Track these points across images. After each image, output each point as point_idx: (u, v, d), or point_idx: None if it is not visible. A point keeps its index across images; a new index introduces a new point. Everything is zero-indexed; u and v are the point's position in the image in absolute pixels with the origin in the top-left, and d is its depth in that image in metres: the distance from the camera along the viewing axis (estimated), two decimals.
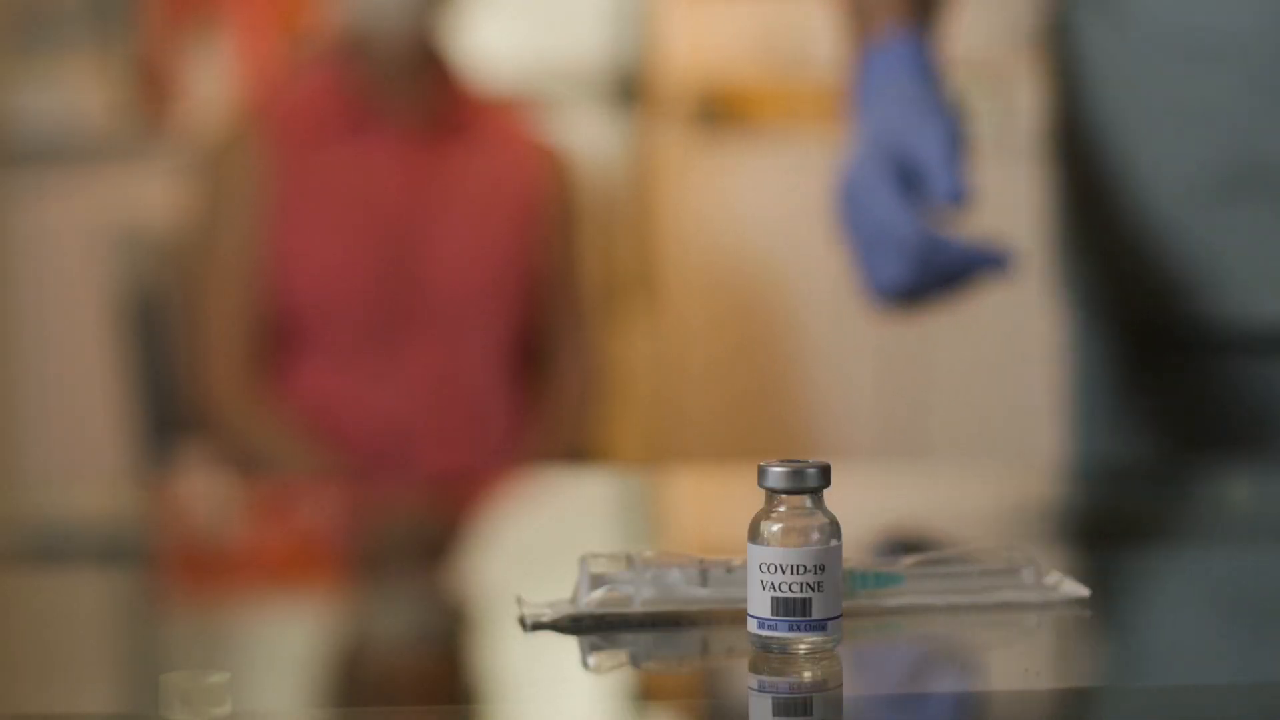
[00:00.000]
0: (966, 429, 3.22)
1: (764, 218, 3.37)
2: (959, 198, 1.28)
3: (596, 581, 0.88)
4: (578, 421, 2.41)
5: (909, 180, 1.31)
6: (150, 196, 2.94)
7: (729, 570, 0.88)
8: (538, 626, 0.88)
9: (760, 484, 0.82)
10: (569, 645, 0.88)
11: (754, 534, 0.81)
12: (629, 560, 0.89)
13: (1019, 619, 0.91)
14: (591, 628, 0.88)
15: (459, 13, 2.41)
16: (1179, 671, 0.89)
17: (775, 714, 0.78)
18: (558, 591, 0.90)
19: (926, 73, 1.38)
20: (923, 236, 1.30)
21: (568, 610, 0.89)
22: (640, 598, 0.88)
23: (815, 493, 0.81)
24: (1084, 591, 0.92)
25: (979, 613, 0.91)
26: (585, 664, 0.86)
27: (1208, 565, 1.15)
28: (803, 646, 0.81)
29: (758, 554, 0.81)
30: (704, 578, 0.88)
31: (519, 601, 0.90)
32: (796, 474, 0.81)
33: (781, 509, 0.81)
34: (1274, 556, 1.16)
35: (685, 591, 0.88)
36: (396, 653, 0.96)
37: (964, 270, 1.32)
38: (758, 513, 0.82)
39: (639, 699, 0.85)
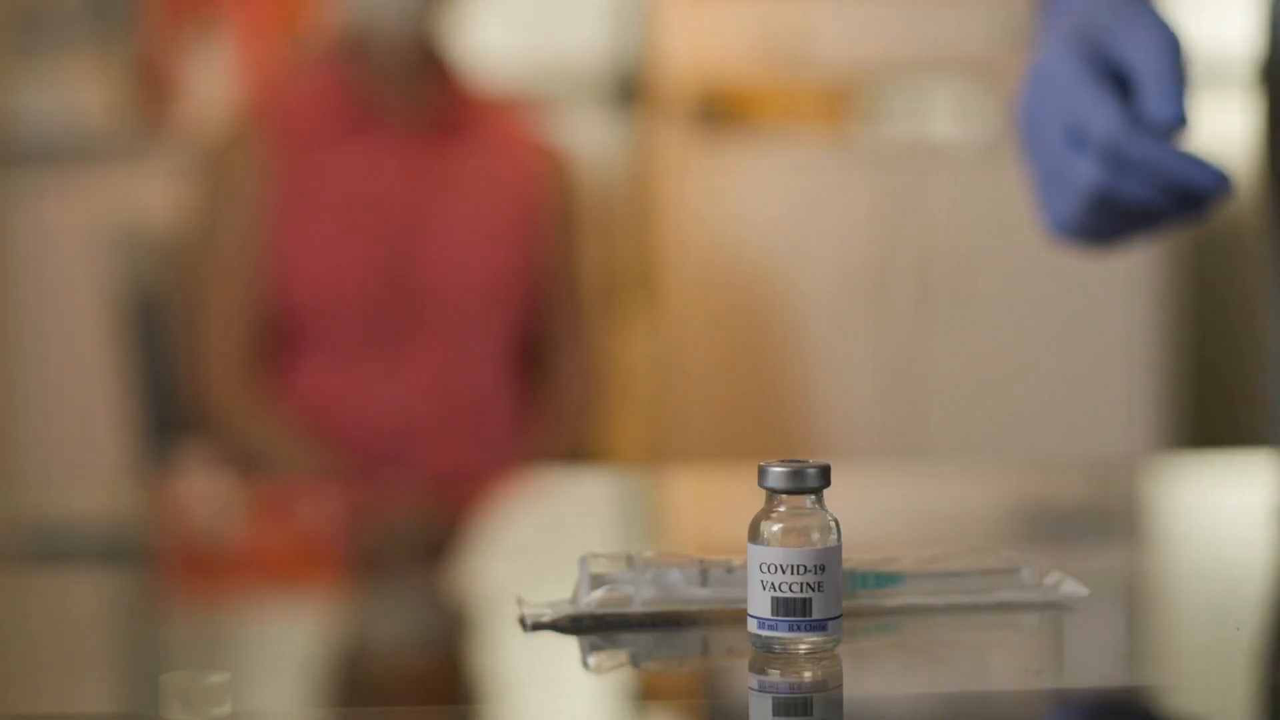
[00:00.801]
0: (966, 429, 3.22)
1: (764, 218, 3.37)
2: (1177, 123, 1.07)
3: (596, 581, 0.88)
4: (578, 422, 2.41)
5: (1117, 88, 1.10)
6: (150, 196, 2.94)
7: (729, 570, 0.88)
8: (538, 626, 0.88)
9: (760, 484, 0.82)
10: (569, 645, 0.88)
11: (754, 534, 0.81)
12: (629, 560, 0.89)
13: (1019, 619, 0.91)
14: (591, 628, 0.88)
15: (459, 13, 2.41)
16: (1176, 671, 0.89)
17: (775, 714, 0.78)
18: (558, 591, 0.90)
19: None
20: (1130, 132, 1.07)
21: (568, 610, 0.89)
22: (640, 598, 0.88)
23: (815, 493, 0.81)
24: (1084, 591, 0.92)
25: (979, 613, 0.91)
26: (585, 664, 0.86)
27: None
28: (803, 646, 0.81)
29: (758, 554, 0.81)
30: (704, 578, 0.88)
31: (519, 602, 0.90)
32: (796, 474, 0.81)
33: (782, 509, 0.81)
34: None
35: (685, 592, 0.88)
36: (396, 653, 0.96)
37: (1179, 181, 1.08)
38: (758, 513, 0.82)
39: (639, 699, 0.85)
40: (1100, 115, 1.08)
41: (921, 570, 0.90)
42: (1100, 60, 1.10)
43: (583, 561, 0.89)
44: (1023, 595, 0.91)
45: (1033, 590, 0.91)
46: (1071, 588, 0.92)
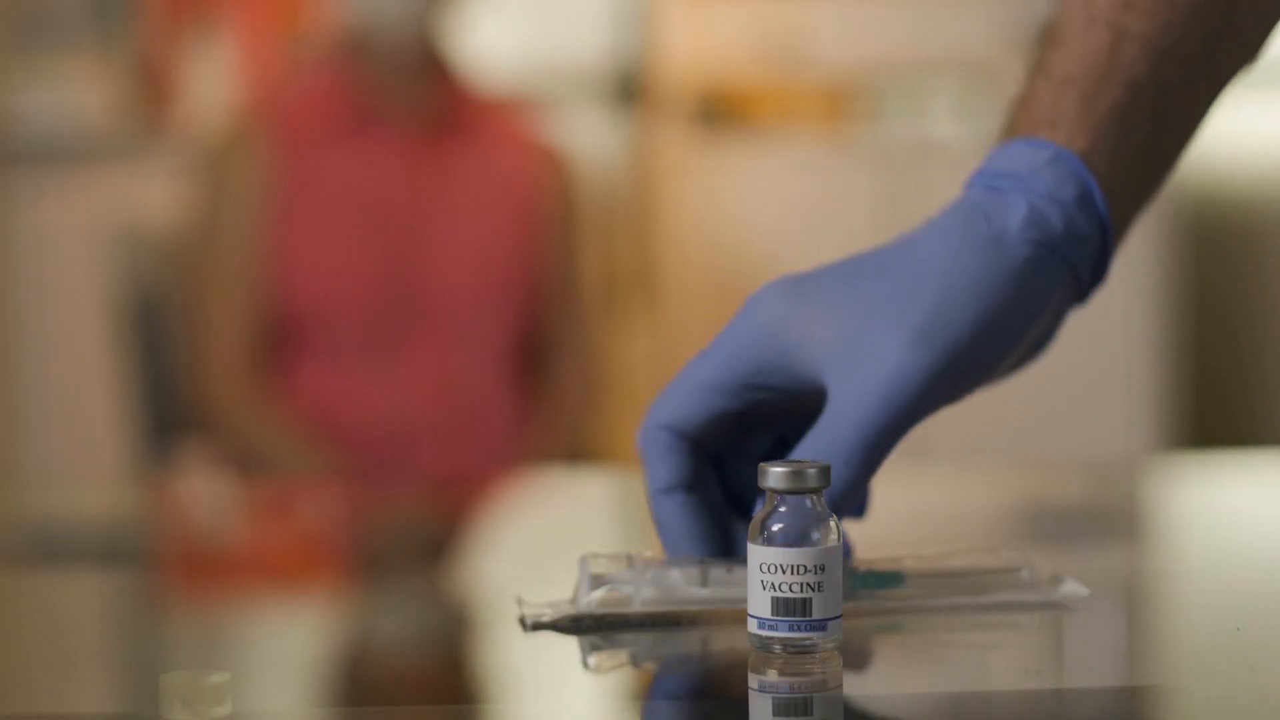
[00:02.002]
0: (966, 429, 3.22)
1: (764, 218, 3.37)
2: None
3: (596, 582, 0.88)
4: (578, 422, 2.41)
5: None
6: (150, 196, 2.94)
7: (729, 570, 0.88)
8: (538, 626, 0.88)
9: (760, 484, 0.82)
10: (569, 645, 0.88)
11: (754, 534, 0.81)
12: (629, 560, 0.89)
13: (1019, 619, 0.91)
14: (591, 628, 0.88)
15: (459, 13, 2.41)
16: (1176, 671, 0.89)
17: (775, 714, 0.78)
18: (558, 591, 0.90)
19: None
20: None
21: (568, 610, 0.89)
22: (640, 598, 0.88)
23: (815, 493, 0.81)
24: (1084, 591, 0.92)
25: (979, 613, 0.91)
26: (585, 664, 0.86)
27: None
28: (803, 646, 0.81)
29: (758, 554, 0.81)
30: (704, 578, 0.88)
31: (519, 602, 0.90)
32: (797, 474, 0.81)
33: (782, 509, 0.81)
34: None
35: (685, 592, 0.88)
36: (396, 653, 0.96)
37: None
38: (758, 513, 0.82)
39: (639, 699, 0.85)
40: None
41: (921, 570, 0.90)
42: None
43: (583, 561, 0.89)
44: (1022, 595, 0.91)
45: (1032, 590, 0.91)
46: (1072, 588, 0.92)
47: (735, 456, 0.92)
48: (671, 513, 0.90)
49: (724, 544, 0.90)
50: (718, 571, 0.88)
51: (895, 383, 0.85)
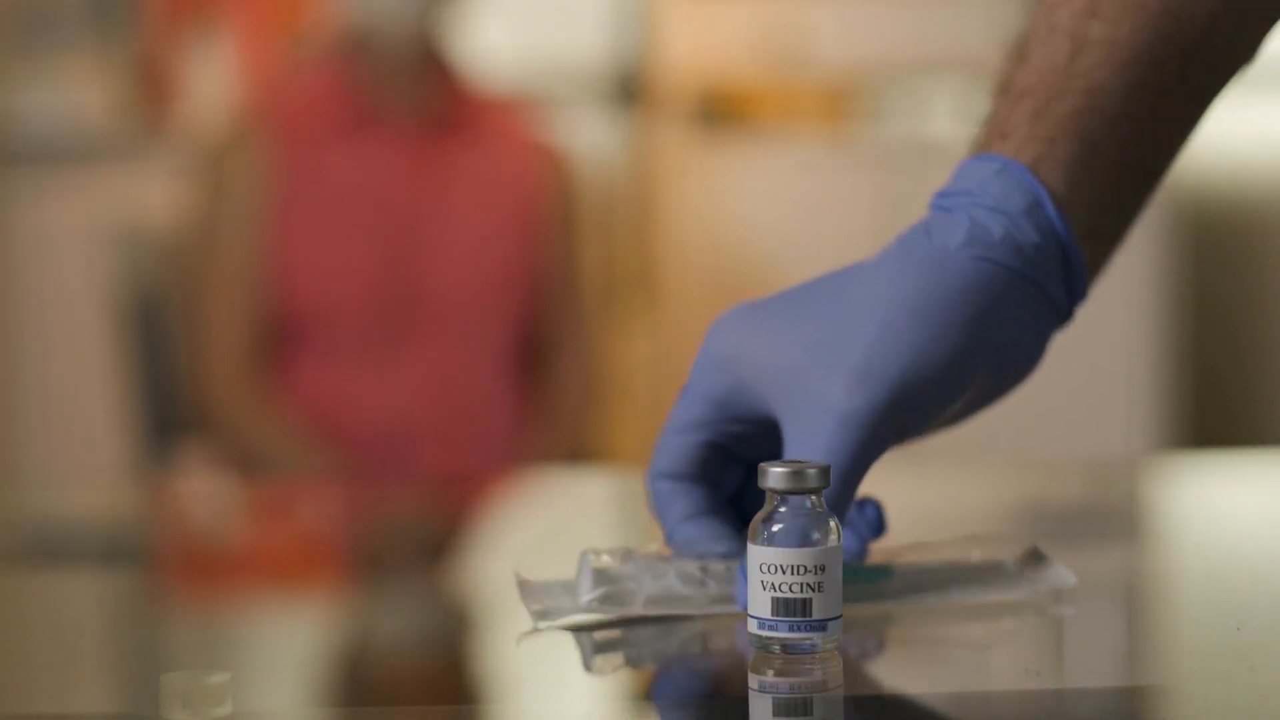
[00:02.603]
0: (965, 429, 3.21)
1: (764, 218, 3.37)
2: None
3: (598, 578, 0.88)
4: (577, 421, 2.41)
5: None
6: (150, 196, 2.94)
7: (729, 569, 0.88)
8: (541, 618, 0.88)
9: (760, 484, 0.82)
10: (569, 645, 0.88)
11: (754, 534, 0.81)
12: (630, 556, 0.89)
13: (1019, 618, 0.91)
14: (592, 625, 0.88)
15: (459, 12, 2.41)
16: (1175, 671, 0.89)
17: (775, 714, 0.78)
18: (557, 591, 0.90)
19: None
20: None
21: (568, 606, 0.88)
22: (642, 595, 0.88)
23: (815, 493, 0.81)
24: (1071, 579, 0.91)
25: (975, 610, 0.91)
26: (585, 664, 0.86)
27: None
28: (803, 646, 0.81)
29: (758, 554, 0.81)
30: (705, 576, 0.88)
31: (520, 584, 0.89)
32: (797, 474, 0.81)
33: (782, 509, 0.81)
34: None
35: (686, 590, 0.88)
36: (396, 653, 0.96)
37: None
38: (758, 513, 0.82)
39: (639, 699, 0.85)
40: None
41: (908, 565, 0.90)
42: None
43: (584, 556, 0.89)
44: (1010, 584, 0.91)
45: (1019, 581, 0.91)
46: (1058, 573, 0.91)
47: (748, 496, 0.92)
48: (691, 530, 0.90)
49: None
50: (718, 569, 0.88)
51: (841, 430, 0.84)
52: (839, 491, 0.85)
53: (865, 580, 0.89)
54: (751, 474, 0.91)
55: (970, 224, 0.87)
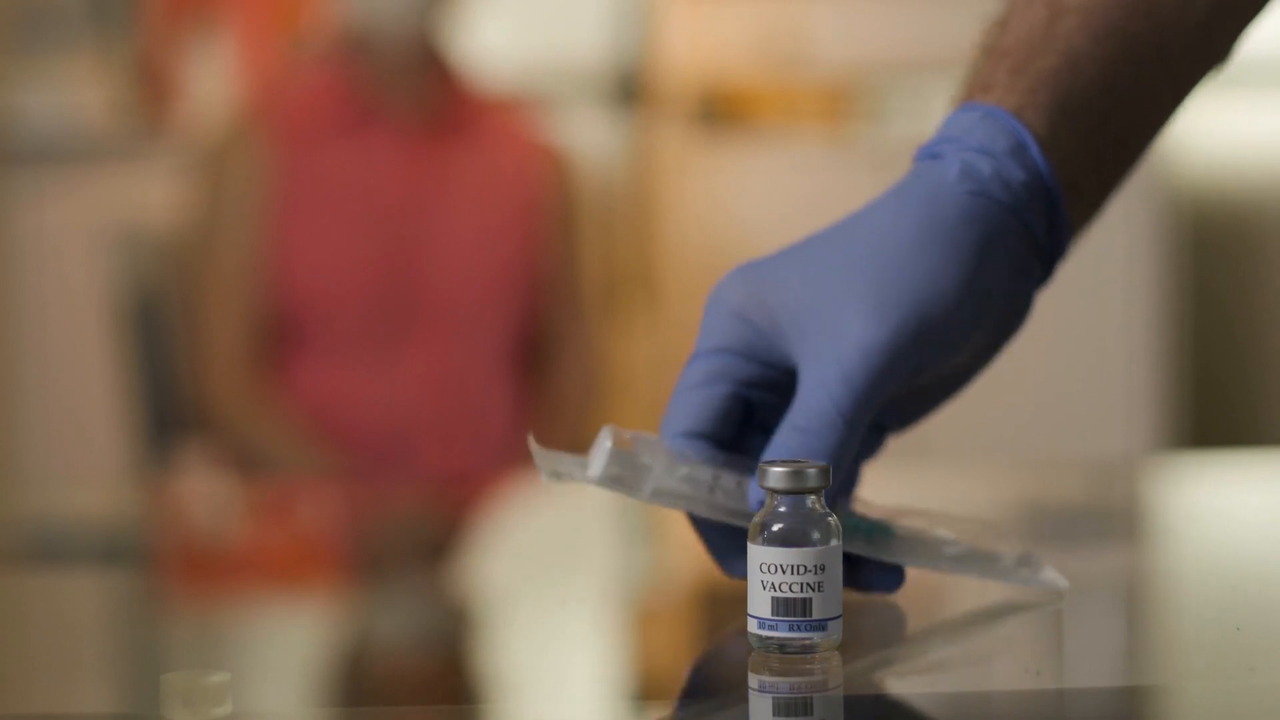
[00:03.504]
0: (966, 429, 3.22)
1: (764, 218, 3.37)
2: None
3: (613, 458, 0.87)
4: (578, 421, 2.41)
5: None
6: (150, 196, 2.94)
7: (740, 486, 0.87)
8: (554, 478, 0.87)
9: (760, 484, 0.81)
10: (568, 645, 0.87)
11: (754, 534, 0.81)
12: (651, 445, 0.87)
13: (1018, 617, 0.91)
14: (600, 492, 0.87)
15: (459, 12, 2.41)
16: (1175, 671, 0.89)
17: (775, 714, 0.78)
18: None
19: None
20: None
21: (578, 476, 0.87)
22: (649, 487, 0.87)
23: (815, 493, 0.81)
24: (1063, 583, 0.91)
25: (969, 602, 0.91)
26: (586, 665, 0.86)
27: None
28: (803, 646, 0.81)
29: (758, 554, 0.81)
30: (715, 485, 0.87)
31: (534, 449, 0.88)
32: (796, 474, 0.81)
33: (781, 509, 0.81)
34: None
35: (693, 492, 0.87)
36: (396, 653, 0.96)
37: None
38: (758, 513, 0.82)
39: (639, 699, 0.85)
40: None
41: (910, 533, 0.90)
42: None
43: (605, 430, 0.87)
44: (1002, 576, 0.91)
45: (1013, 576, 0.91)
46: (1051, 578, 0.91)
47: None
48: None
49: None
50: (729, 483, 0.88)
51: (860, 358, 0.86)
52: (852, 418, 0.85)
53: (866, 535, 0.89)
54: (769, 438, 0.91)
55: (961, 165, 0.90)
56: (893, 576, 0.90)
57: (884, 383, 0.86)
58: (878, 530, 0.90)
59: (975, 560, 0.91)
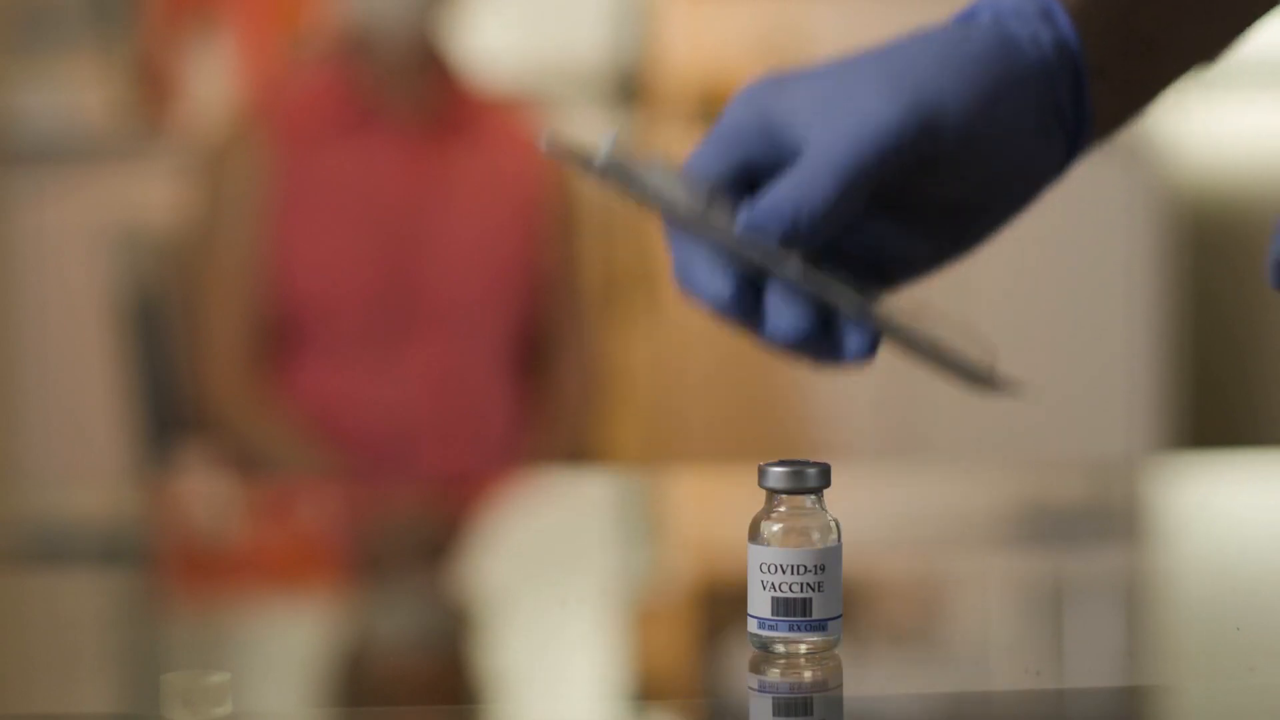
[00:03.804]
0: (966, 429, 3.22)
1: None
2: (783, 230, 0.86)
3: (618, 151, 0.86)
4: (577, 422, 2.41)
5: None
6: (150, 196, 2.94)
7: (732, 220, 0.86)
8: (553, 148, 0.86)
9: (760, 484, 0.82)
10: (568, 645, 0.88)
11: (754, 534, 0.81)
12: (659, 163, 0.87)
13: (1018, 616, 0.91)
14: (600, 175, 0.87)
15: (459, 12, 2.41)
16: (1176, 671, 0.89)
17: (775, 714, 0.78)
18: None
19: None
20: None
21: (581, 156, 0.86)
22: (648, 187, 0.87)
23: (815, 493, 0.81)
24: (1021, 391, 0.88)
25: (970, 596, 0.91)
26: (586, 665, 0.86)
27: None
28: (803, 646, 0.81)
29: (758, 554, 0.81)
30: (708, 211, 0.86)
31: (548, 136, 0.87)
32: (796, 474, 0.81)
33: (782, 509, 0.81)
34: None
35: (687, 203, 0.87)
36: (396, 653, 0.96)
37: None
38: (758, 513, 0.82)
39: (639, 699, 0.85)
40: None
41: (897, 317, 0.87)
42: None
43: (618, 131, 0.87)
44: (964, 375, 0.87)
45: (975, 374, 0.87)
46: (1009, 383, 0.88)
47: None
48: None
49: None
50: (722, 218, 0.86)
51: (865, 122, 0.85)
52: (848, 172, 0.85)
53: (856, 290, 0.86)
54: None
55: (994, 15, 0.90)
56: (865, 341, 0.85)
57: (885, 155, 0.86)
58: (867, 295, 0.86)
59: (946, 356, 0.86)
